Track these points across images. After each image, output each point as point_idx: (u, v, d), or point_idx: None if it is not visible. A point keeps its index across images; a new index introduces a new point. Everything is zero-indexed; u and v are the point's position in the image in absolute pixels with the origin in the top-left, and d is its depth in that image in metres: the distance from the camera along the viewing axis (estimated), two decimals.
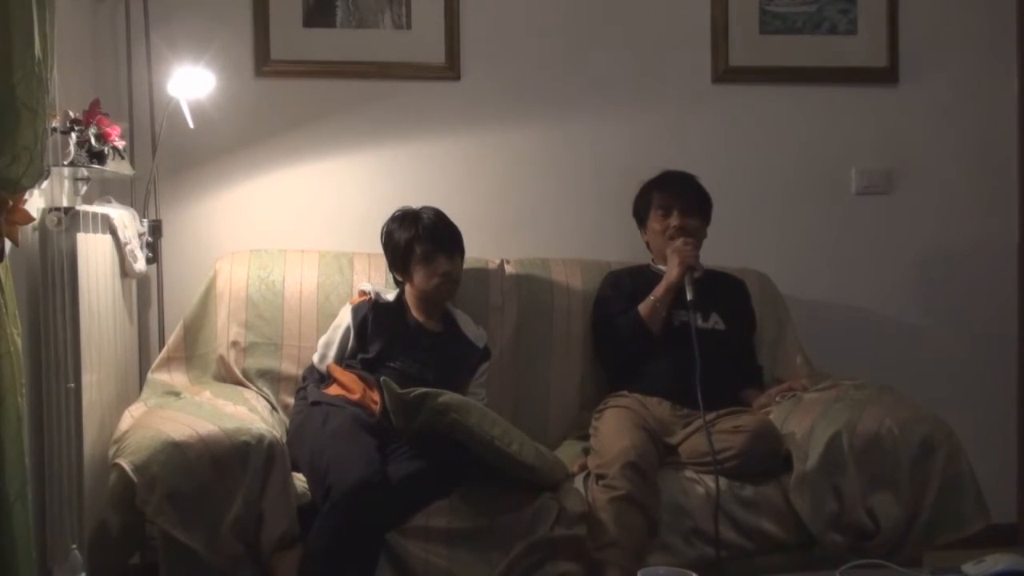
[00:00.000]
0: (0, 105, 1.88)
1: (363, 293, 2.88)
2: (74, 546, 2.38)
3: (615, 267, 3.17)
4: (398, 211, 2.89)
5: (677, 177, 3.05)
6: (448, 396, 2.45)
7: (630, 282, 3.02)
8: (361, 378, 2.70)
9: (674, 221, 2.97)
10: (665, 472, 2.59)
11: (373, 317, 2.78)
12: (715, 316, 2.94)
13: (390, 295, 2.87)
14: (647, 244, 3.10)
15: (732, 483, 2.54)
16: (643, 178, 3.09)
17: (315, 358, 2.84)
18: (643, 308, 2.88)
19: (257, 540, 2.29)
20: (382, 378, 2.51)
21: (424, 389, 2.45)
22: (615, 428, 2.63)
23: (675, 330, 2.88)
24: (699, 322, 2.85)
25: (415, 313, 2.84)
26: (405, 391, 2.44)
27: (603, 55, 3.36)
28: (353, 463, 2.36)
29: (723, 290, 3.03)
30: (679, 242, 2.90)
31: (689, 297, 2.82)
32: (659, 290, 2.88)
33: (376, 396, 2.63)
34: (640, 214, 3.09)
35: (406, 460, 2.45)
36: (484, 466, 2.48)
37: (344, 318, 2.82)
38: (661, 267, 2.99)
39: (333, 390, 2.69)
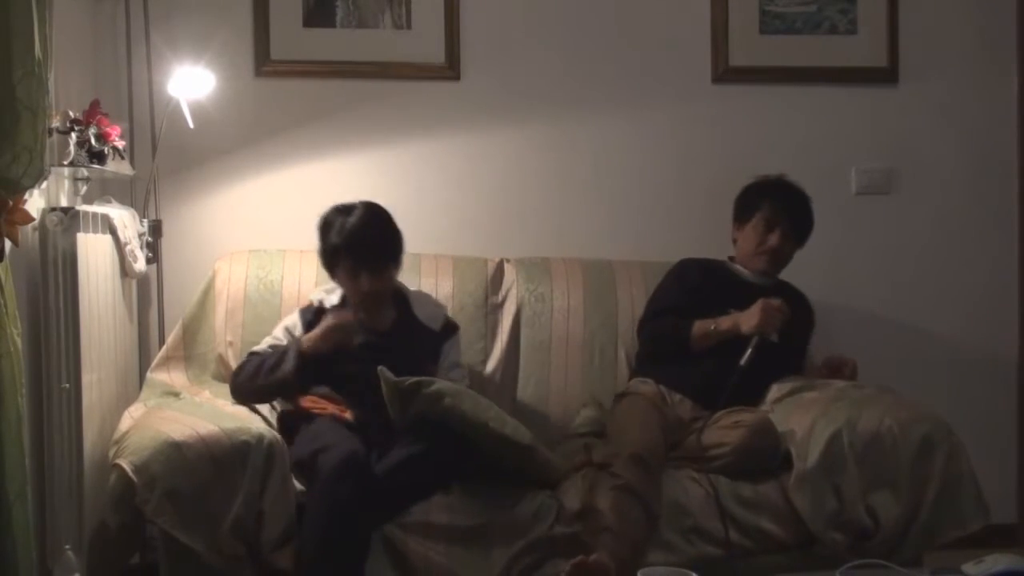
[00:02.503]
0: (0, 105, 1.89)
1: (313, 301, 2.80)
2: (67, 547, 2.38)
3: (616, 265, 3.17)
4: (335, 207, 2.73)
5: (794, 194, 2.95)
6: (442, 384, 2.46)
7: (698, 275, 2.94)
8: (323, 396, 2.65)
9: (774, 240, 2.89)
10: (665, 470, 2.58)
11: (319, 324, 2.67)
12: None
13: (335, 296, 2.78)
14: (734, 241, 3.02)
15: (732, 482, 2.54)
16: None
17: (259, 346, 2.73)
18: (698, 328, 2.79)
19: (257, 540, 2.29)
20: (379, 367, 2.47)
21: (418, 377, 2.45)
22: (629, 419, 2.62)
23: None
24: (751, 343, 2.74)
25: (360, 313, 2.71)
26: (400, 379, 2.44)
27: (603, 55, 3.36)
28: (338, 444, 2.37)
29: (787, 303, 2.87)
30: (776, 304, 2.72)
31: (743, 361, 2.67)
32: (724, 324, 2.77)
33: (344, 409, 2.61)
34: (742, 213, 2.99)
35: (395, 449, 2.44)
36: (481, 458, 2.48)
37: (294, 322, 2.75)
38: (739, 268, 2.95)
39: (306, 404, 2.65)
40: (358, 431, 2.52)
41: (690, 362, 2.82)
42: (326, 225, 2.72)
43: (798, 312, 2.95)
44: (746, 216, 2.98)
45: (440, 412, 2.43)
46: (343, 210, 2.71)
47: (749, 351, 2.69)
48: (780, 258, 2.94)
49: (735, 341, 2.73)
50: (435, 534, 2.38)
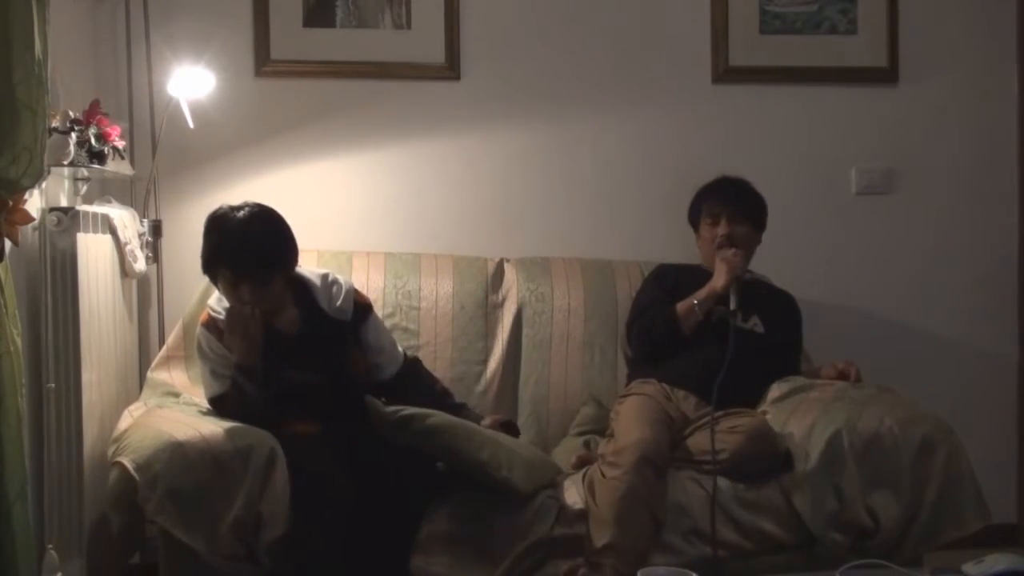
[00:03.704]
0: (0, 105, 1.89)
1: (212, 312, 2.56)
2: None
3: (616, 265, 3.17)
4: (220, 208, 2.51)
5: (727, 184, 3.01)
6: (435, 419, 2.38)
7: (674, 277, 2.99)
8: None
9: (721, 229, 2.93)
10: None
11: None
12: (755, 318, 2.89)
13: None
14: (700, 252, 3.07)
15: (733, 483, 2.53)
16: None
17: (213, 389, 2.53)
18: (681, 307, 2.84)
19: (256, 541, 2.28)
20: (366, 396, 2.43)
21: (410, 412, 2.38)
22: (635, 416, 2.61)
23: (712, 325, 2.83)
24: (737, 321, 2.80)
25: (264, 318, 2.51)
26: (389, 411, 2.38)
27: (603, 55, 3.36)
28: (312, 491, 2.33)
29: (769, 299, 2.98)
30: (730, 252, 2.84)
31: (732, 306, 2.77)
32: (701, 293, 2.83)
33: (307, 423, 2.52)
34: (694, 222, 3.06)
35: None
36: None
37: (212, 345, 2.53)
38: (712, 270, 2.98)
39: None
40: (327, 444, 2.43)
41: (687, 356, 2.82)
42: (208, 228, 2.49)
43: (783, 310, 3.01)
44: (696, 222, 3.04)
45: (432, 448, 2.39)
46: (227, 212, 2.49)
47: (733, 296, 2.78)
48: (736, 242, 2.92)
49: (724, 332, 2.73)
50: (436, 544, 2.37)
